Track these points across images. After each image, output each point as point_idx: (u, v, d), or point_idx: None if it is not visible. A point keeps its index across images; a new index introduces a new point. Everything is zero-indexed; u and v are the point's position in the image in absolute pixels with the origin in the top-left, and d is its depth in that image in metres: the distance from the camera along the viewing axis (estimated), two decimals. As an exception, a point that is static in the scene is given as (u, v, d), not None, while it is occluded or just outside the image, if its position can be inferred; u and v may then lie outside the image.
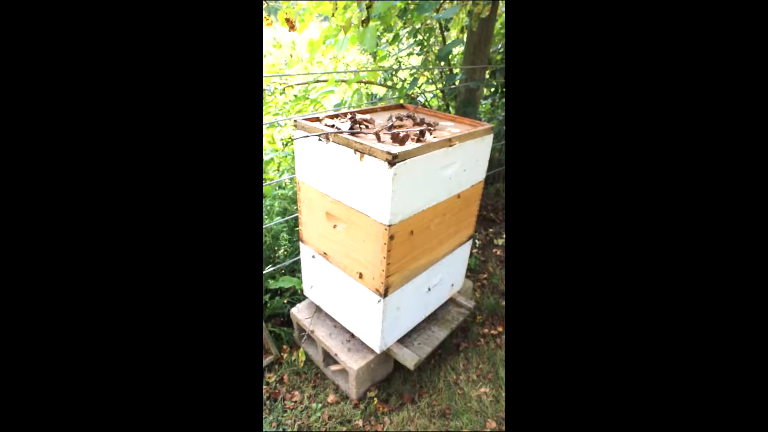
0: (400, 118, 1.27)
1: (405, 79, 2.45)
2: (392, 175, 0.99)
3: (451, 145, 1.16)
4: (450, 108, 2.51)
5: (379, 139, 1.10)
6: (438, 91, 2.63)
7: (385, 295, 1.23)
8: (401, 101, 2.30)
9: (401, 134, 1.07)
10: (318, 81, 2.15)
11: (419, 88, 2.46)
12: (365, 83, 2.49)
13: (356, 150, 1.06)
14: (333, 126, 1.20)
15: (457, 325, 1.62)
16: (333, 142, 1.12)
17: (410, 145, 1.05)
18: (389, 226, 1.08)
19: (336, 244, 1.32)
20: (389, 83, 2.58)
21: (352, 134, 1.13)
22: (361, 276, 1.27)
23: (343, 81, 2.31)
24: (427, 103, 2.55)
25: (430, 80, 2.64)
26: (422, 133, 1.08)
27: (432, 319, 1.62)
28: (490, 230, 2.74)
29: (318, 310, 1.64)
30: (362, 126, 1.23)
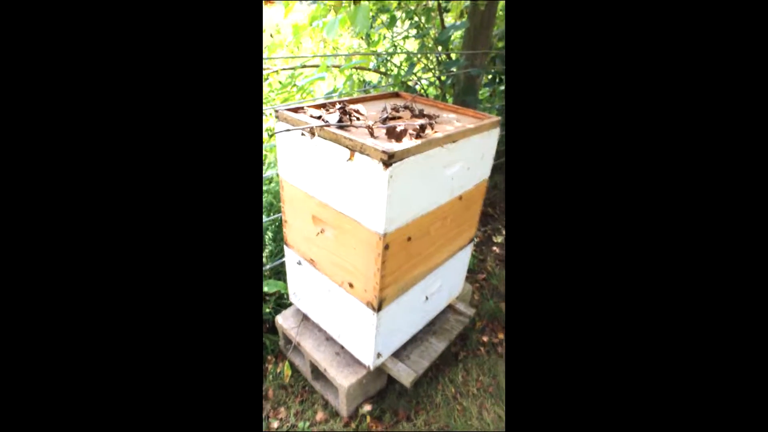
0: (396, 109, 1.12)
1: (400, 65, 2.28)
2: (388, 178, 0.85)
3: (454, 141, 1.01)
4: (447, 96, 2.35)
5: (372, 133, 0.95)
6: (434, 78, 2.46)
7: (378, 309, 1.10)
8: (396, 89, 2.14)
9: (398, 129, 0.92)
10: (305, 66, 1.97)
11: (416, 75, 2.30)
12: (358, 69, 2.32)
13: (345, 146, 0.91)
14: (319, 118, 1.05)
15: (456, 335, 1.50)
16: (319, 136, 0.97)
17: (408, 141, 0.90)
18: (384, 235, 0.93)
19: (323, 251, 1.18)
20: (383, 69, 2.41)
21: (341, 128, 0.98)
22: (351, 286, 1.14)
23: (335, 66, 2.13)
24: (423, 91, 2.39)
25: (427, 66, 2.47)
26: (422, 128, 0.93)
27: (429, 328, 1.49)
28: (488, 226, 2.61)
29: (305, 318, 1.51)
30: (353, 118, 1.07)
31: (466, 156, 1.10)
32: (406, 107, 1.14)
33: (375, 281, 1.03)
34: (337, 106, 1.13)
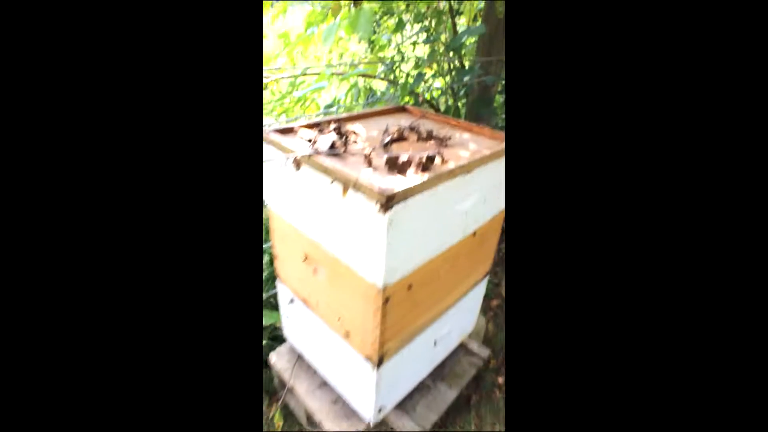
0: (399, 131, 0.96)
1: (408, 73, 2.12)
2: (387, 223, 0.69)
3: (469, 172, 0.85)
4: (459, 106, 2.18)
5: (370, 163, 0.80)
6: (446, 85, 2.29)
7: (379, 364, 0.94)
8: (405, 100, 1.97)
9: (400, 160, 0.76)
10: (306, 74, 1.83)
11: (425, 83, 2.13)
12: (365, 77, 2.16)
13: (336, 180, 0.75)
14: (311, 141, 0.89)
15: (469, 379, 1.33)
16: (306, 166, 0.82)
17: (413, 176, 0.74)
18: (383, 288, 0.77)
19: (317, 292, 1.02)
20: (391, 76, 2.25)
21: (333, 155, 0.82)
22: (348, 335, 0.98)
23: (337, 74, 1.98)
24: (433, 101, 2.22)
25: (438, 73, 2.31)
26: (430, 159, 0.77)
27: (439, 372, 1.32)
28: (503, 244, 2.43)
29: (300, 357, 1.35)
30: (349, 141, 0.92)
31: (481, 187, 0.93)
32: (411, 128, 0.98)
33: (374, 336, 0.87)
34: (332, 126, 0.97)
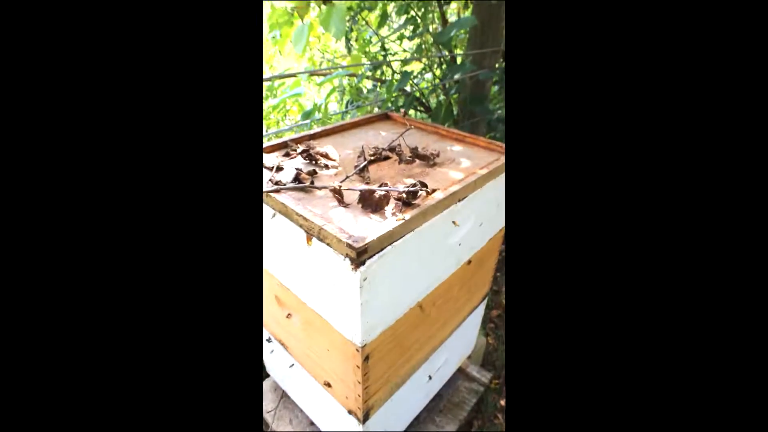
0: (377, 154, 0.82)
1: (395, 72, 1.97)
2: (360, 280, 0.56)
3: (461, 200, 0.72)
4: (452, 102, 2.04)
5: (340, 200, 0.66)
6: (435, 78, 2.14)
7: (365, 418, 0.82)
8: (392, 98, 1.83)
9: (376, 195, 0.63)
10: (283, 77, 1.68)
11: (414, 78, 1.98)
12: (348, 76, 2.01)
13: (299, 226, 0.62)
14: (273, 169, 0.76)
15: (469, 409, 1.22)
16: (264, 204, 0.68)
17: (391, 219, 0.61)
18: (362, 346, 0.65)
19: (294, 338, 0.90)
20: (377, 74, 2.09)
21: (299, 188, 0.69)
22: (329, 386, 0.86)
23: (318, 74, 1.84)
24: (423, 98, 2.07)
25: (427, 67, 2.15)
26: (413, 195, 0.64)
27: (435, 404, 1.21)
28: (502, 246, 2.31)
29: (284, 395, 1.24)
30: (318, 165, 0.79)
31: (477, 211, 0.80)
32: (392, 149, 0.84)
33: (357, 393, 0.76)
34: (300, 148, 0.84)
